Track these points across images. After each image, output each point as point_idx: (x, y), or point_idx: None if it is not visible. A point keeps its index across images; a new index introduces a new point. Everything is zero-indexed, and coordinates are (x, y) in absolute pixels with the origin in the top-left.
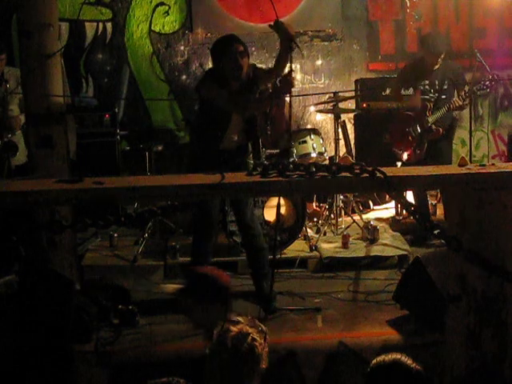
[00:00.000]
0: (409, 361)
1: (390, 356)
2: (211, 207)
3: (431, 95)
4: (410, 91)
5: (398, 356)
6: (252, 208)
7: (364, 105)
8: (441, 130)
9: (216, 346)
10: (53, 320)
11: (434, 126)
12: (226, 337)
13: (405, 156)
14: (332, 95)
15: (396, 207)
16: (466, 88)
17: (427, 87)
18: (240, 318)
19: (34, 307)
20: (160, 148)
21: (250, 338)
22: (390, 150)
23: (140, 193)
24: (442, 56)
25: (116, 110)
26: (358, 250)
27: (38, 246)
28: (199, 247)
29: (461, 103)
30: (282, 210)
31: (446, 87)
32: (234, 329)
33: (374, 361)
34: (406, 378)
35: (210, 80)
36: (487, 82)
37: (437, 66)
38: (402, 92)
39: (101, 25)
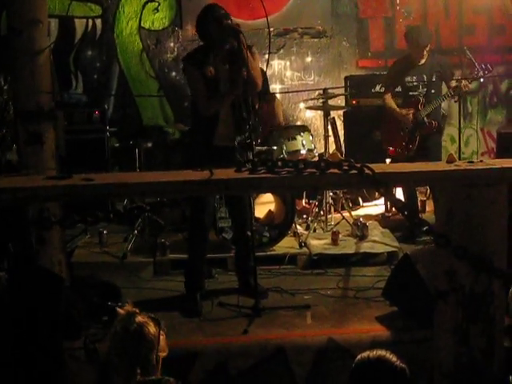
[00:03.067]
0: (393, 358)
1: (374, 352)
2: (206, 205)
3: (420, 90)
4: (399, 88)
5: (383, 353)
6: (249, 206)
7: (354, 102)
8: (434, 122)
9: (110, 335)
10: (42, 317)
11: (426, 120)
12: (115, 322)
13: (394, 151)
14: (322, 92)
15: (385, 204)
16: (454, 83)
17: (415, 83)
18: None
19: (23, 304)
20: (149, 145)
21: (137, 317)
22: (379, 146)
23: (129, 189)
24: (427, 49)
25: (105, 106)
26: (347, 246)
27: (27, 243)
28: (195, 245)
29: (452, 94)
30: (272, 207)
31: (434, 80)
32: (122, 311)
33: (359, 357)
34: (389, 375)
35: (191, 65)
36: (480, 72)
37: (423, 61)
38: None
39: (90, 21)
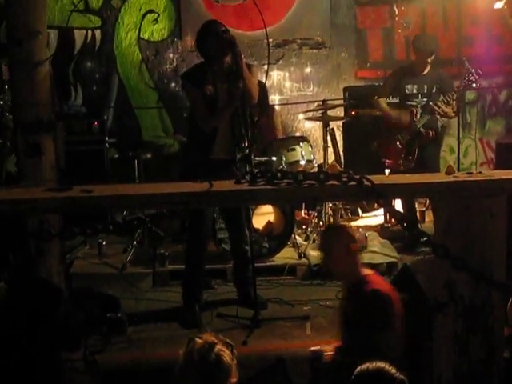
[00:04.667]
0: (392, 369)
1: (373, 364)
2: (204, 217)
3: (419, 100)
4: (397, 99)
5: (382, 364)
6: (246, 219)
7: (352, 112)
8: (431, 132)
9: (183, 363)
10: (41, 328)
11: (422, 129)
12: (192, 350)
13: (393, 163)
14: (321, 103)
15: (385, 214)
16: (452, 95)
17: (415, 91)
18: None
19: (21, 315)
20: (149, 156)
21: (216, 347)
22: (378, 157)
23: (129, 201)
24: (432, 57)
25: (105, 117)
26: None
27: (26, 254)
28: (193, 257)
29: (443, 107)
30: (271, 218)
31: (434, 92)
32: (200, 341)
33: (358, 369)
34: None
35: (190, 83)
36: (471, 78)
37: (426, 70)
38: (389, 100)
39: (90, 32)
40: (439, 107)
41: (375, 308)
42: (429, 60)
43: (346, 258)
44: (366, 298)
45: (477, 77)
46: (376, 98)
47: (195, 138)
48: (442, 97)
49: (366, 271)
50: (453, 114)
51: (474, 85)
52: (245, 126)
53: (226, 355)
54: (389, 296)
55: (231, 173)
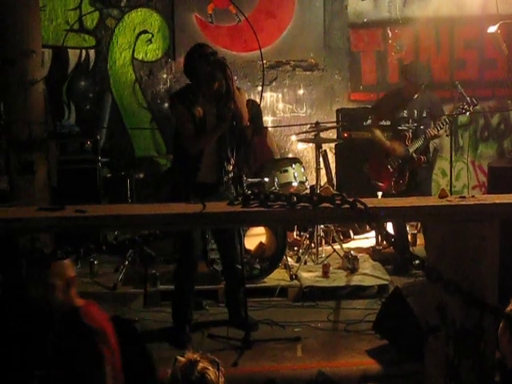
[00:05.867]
0: None
1: None
2: (194, 238)
3: (409, 125)
4: (388, 122)
5: None
6: (238, 239)
7: (345, 135)
8: (423, 158)
9: (169, 383)
10: (32, 348)
11: (415, 155)
12: (175, 369)
13: (384, 186)
14: (314, 125)
15: (376, 237)
16: (443, 118)
17: (405, 116)
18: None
19: (12, 335)
20: (141, 176)
21: (199, 365)
22: (370, 180)
23: (122, 221)
24: (423, 87)
25: (98, 137)
26: (338, 279)
27: (17, 273)
28: (183, 278)
29: (436, 132)
30: (263, 239)
31: (424, 116)
32: (182, 359)
33: None
34: None
35: (180, 103)
36: (465, 106)
37: (416, 96)
38: (381, 123)
39: (84, 52)
40: (432, 134)
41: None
42: (419, 89)
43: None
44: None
45: (472, 106)
46: (371, 127)
47: (181, 161)
48: (432, 125)
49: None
50: (444, 134)
51: (468, 113)
52: (231, 148)
53: (211, 373)
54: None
55: (220, 196)
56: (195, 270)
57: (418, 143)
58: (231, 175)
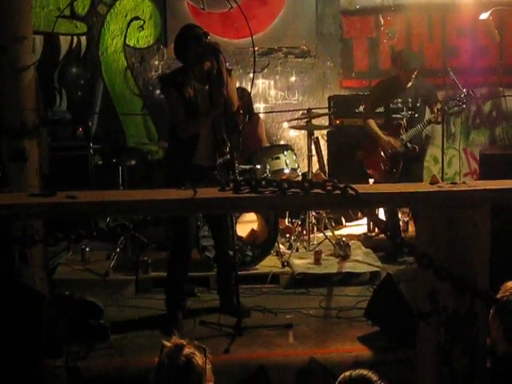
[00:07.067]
0: (375, 377)
1: (356, 372)
2: (188, 224)
3: (404, 113)
4: (381, 109)
5: (365, 372)
6: (231, 225)
7: (337, 121)
8: (417, 147)
9: (156, 368)
10: (23, 334)
11: (409, 145)
12: (161, 355)
13: (378, 175)
14: (305, 112)
15: (368, 224)
16: (439, 105)
17: (400, 105)
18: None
19: (4, 321)
20: (133, 162)
21: (185, 350)
22: (362, 167)
23: (113, 208)
24: (415, 73)
25: (89, 123)
26: (330, 266)
27: (9, 260)
28: (177, 264)
29: (436, 119)
30: (255, 226)
31: (419, 105)
32: (169, 344)
33: (342, 376)
34: None
35: (169, 86)
36: (463, 97)
37: (410, 84)
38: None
39: (75, 38)
40: (433, 119)
41: None
42: (412, 75)
43: None
44: None
45: (469, 98)
46: (365, 119)
47: (177, 144)
48: (429, 114)
49: None
50: (439, 122)
51: (464, 106)
52: (226, 131)
53: (198, 358)
54: None
55: (214, 179)
56: (189, 258)
57: (413, 132)
58: (227, 157)
